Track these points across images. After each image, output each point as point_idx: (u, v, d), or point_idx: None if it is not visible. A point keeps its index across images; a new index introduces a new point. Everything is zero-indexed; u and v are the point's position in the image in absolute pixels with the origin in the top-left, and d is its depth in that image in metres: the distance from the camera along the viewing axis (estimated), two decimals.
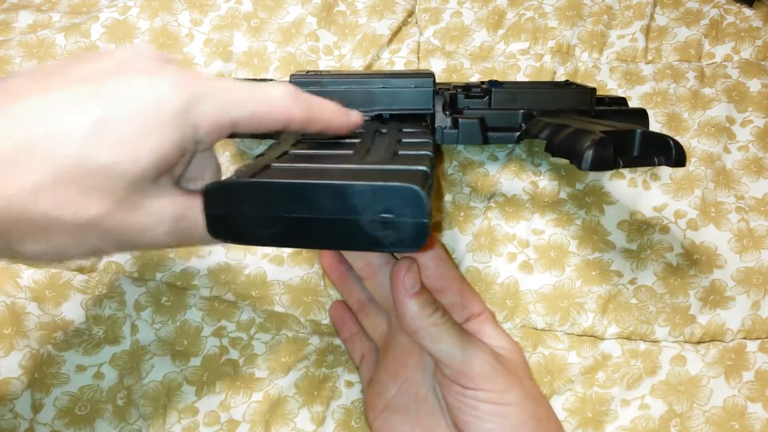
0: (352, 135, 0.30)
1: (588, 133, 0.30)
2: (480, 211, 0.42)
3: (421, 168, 0.24)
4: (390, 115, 0.35)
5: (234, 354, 0.38)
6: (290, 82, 0.35)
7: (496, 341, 0.34)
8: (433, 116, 0.37)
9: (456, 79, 0.47)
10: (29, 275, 0.38)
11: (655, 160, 0.30)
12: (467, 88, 0.39)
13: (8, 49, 0.45)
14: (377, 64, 0.47)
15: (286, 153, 0.27)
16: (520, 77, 0.47)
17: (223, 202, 0.23)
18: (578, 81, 0.47)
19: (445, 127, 0.37)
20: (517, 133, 0.37)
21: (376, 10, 0.49)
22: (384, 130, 0.31)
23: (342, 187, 0.22)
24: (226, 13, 0.48)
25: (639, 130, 0.31)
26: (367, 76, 0.36)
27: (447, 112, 0.37)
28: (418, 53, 0.48)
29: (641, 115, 0.38)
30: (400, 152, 0.27)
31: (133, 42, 0.46)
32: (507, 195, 0.42)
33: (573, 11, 0.50)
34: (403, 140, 0.29)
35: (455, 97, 0.38)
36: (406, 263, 0.30)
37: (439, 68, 0.47)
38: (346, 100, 0.32)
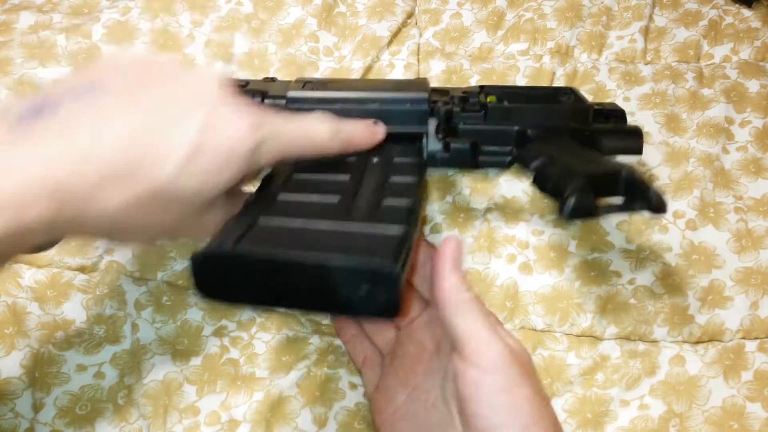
0: (346, 165, 0.31)
1: (572, 178, 0.31)
2: (480, 213, 0.42)
3: (397, 235, 0.25)
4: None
5: (234, 353, 0.38)
6: (288, 99, 0.36)
7: (508, 340, 0.33)
8: (427, 135, 0.37)
9: (456, 80, 0.47)
10: (30, 275, 0.38)
11: (636, 206, 0.31)
12: (464, 99, 0.39)
13: (9, 49, 0.45)
14: (377, 66, 0.48)
15: (275, 199, 0.28)
16: (520, 78, 0.47)
17: (209, 271, 0.24)
18: (577, 82, 0.48)
19: (437, 151, 0.37)
20: (508, 158, 0.38)
21: (375, 11, 0.49)
22: (375, 159, 0.32)
23: (319, 267, 0.23)
24: (227, 15, 0.48)
25: (623, 175, 0.31)
26: (364, 88, 0.37)
27: (439, 136, 0.37)
28: (418, 54, 0.48)
29: (636, 135, 0.39)
30: (384, 202, 0.28)
31: (134, 44, 0.46)
32: (506, 196, 0.42)
33: (572, 12, 0.50)
34: (391, 178, 0.30)
35: (451, 113, 0.38)
36: (456, 240, 0.31)
37: (439, 69, 0.48)
38: (342, 116, 0.34)
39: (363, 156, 0.33)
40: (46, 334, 0.37)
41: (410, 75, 0.47)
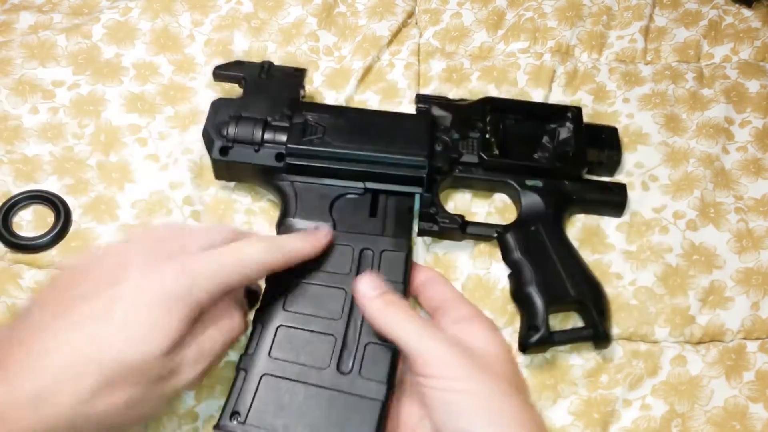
0: (336, 261, 0.35)
1: (537, 313, 0.36)
2: (481, 217, 0.42)
3: (376, 405, 0.31)
4: (379, 191, 0.38)
5: (233, 356, 0.38)
6: (287, 150, 0.38)
7: (476, 341, 0.32)
8: (420, 197, 0.39)
9: (456, 78, 0.47)
10: (30, 276, 0.38)
11: (586, 337, 0.37)
12: (464, 136, 0.41)
13: (9, 50, 0.45)
14: (377, 66, 0.47)
15: (269, 349, 0.33)
16: (521, 74, 0.47)
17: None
18: (577, 82, 0.48)
19: (427, 225, 0.39)
20: (494, 234, 0.40)
21: (376, 11, 0.49)
22: (368, 253, 0.35)
23: None
24: (227, 14, 0.48)
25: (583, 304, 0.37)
26: (365, 131, 0.39)
27: (432, 210, 0.39)
28: (418, 54, 0.48)
29: (619, 192, 0.42)
30: (367, 354, 0.33)
31: (134, 44, 0.46)
32: (507, 201, 0.42)
33: (572, 12, 0.50)
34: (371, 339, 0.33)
35: (453, 145, 0.41)
36: (363, 277, 0.32)
37: (440, 68, 0.48)
38: (340, 173, 0.38)
39: (354, 245, 0.35)
40: None
41: (410, 74, 0.47)
